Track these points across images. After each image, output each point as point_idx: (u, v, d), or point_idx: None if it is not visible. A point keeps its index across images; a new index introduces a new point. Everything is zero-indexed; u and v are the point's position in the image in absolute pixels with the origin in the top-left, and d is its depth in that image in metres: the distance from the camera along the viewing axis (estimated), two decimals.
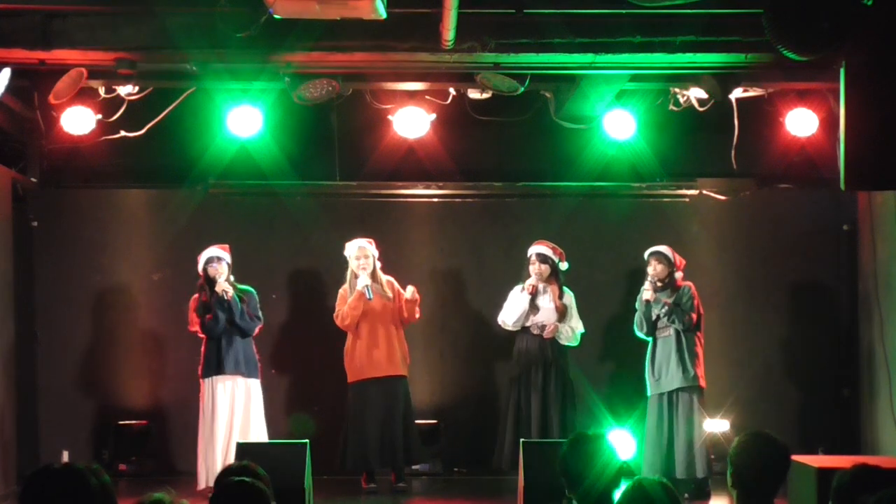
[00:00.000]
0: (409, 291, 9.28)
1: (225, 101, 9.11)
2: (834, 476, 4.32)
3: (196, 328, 9.07)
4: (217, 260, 9.05)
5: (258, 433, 8.96)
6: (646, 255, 9.16)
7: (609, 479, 4.45)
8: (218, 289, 8.97)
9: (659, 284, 9.07)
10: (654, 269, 9.09)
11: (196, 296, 9.09)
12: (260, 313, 9.18)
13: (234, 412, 8.96)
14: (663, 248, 9.14)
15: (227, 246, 9.16)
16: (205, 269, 9.07)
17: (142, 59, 7.75)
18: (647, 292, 9.04)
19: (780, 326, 10.34)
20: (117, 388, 10.19)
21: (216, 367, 8.96)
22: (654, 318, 9.03)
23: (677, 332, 8.97)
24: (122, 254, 10.30)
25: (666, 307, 8.96)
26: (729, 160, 9.93)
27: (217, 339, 8.98)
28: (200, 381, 9.04)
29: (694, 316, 8.99)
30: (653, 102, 9.47)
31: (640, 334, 9.13)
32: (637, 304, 9.13)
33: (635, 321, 9.14)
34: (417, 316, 9.39)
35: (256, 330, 9.16)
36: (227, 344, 8.98)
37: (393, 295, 9.32)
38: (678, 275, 9.12)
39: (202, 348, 9.08)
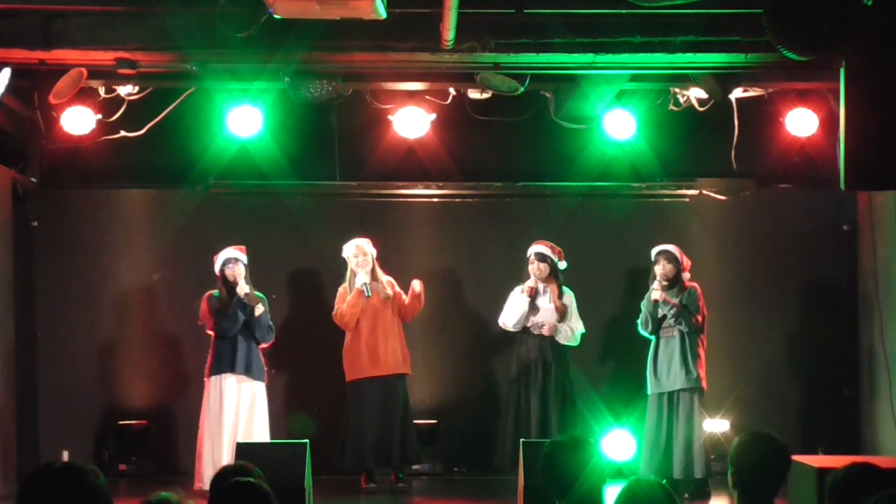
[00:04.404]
0: (417, 284, 9.26)
1: (225, 101, 9.12)
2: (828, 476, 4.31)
3: (209, 326, 9.07)
4: (235, 261, 9.09)
5: (261, 436, 8.96)
6: (653, 253, 9.14)
7: (596, 480, 4.39)
8: (240, 291, 9.00)
9: (665, 283, 9.04)
10: (662, 268, 9.05)
11: (209, 293, 9.12)
12: (271, 323, 9.22)
13: (240, 412, 8.97)
14: (671, 248, 9.12)
15: (243, 247, 9.19)
16: (222, 270, 9.10)
17: (142, 59, 7.75)
18: (656, 292, 9.00)
19: (780, 326, 10.33)
20: (117, 388, 10.19)
21: (227, 365, 8.98)
22: (660, 317, 9.03)
23: (681, 333, 8.96)
24: (122, 254, 10.30)
25: (674, 309, 8.95)
26: (729, 160, 9.93)
27: (231, 340, 9.01)
28: (206, 379, 9.05)
29: (699, 318, 9.00)
30: (653, 102, 9.47)
31: (644, 332, 9.12)
32: (643, 303, 9.11)
33: (640, 319, 9.12)
34: (422, 307, 9.35)
35: (268, 343, 9.22)
36: (240, 345, 9.02)
37: (393, 293, 9.33)
38: (685, 275, 9.11)
39: (211, 347, 9.09)
